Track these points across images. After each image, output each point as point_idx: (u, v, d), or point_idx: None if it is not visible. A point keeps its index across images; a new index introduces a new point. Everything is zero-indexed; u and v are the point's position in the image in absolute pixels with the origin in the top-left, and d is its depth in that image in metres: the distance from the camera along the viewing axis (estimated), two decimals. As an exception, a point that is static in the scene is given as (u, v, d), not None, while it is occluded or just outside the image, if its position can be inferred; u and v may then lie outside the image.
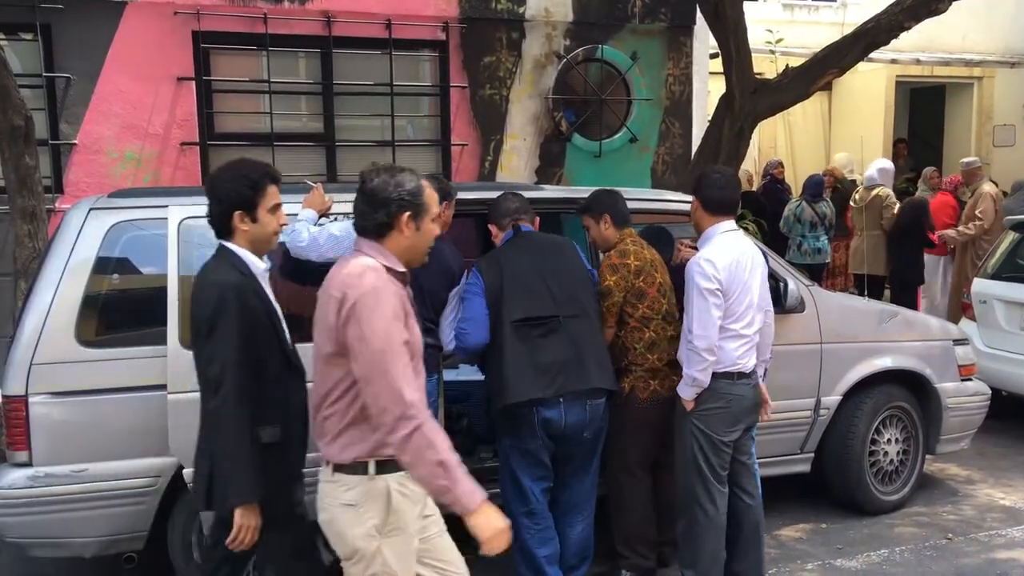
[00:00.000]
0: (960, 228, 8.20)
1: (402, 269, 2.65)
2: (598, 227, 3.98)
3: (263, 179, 2.90)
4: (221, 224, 2.90)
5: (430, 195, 2.74)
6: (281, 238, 3.58)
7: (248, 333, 2.79)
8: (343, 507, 2.56)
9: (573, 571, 3.81)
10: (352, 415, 2.53)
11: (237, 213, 2.87)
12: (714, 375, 3.57)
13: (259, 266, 2.94)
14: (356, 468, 2.54)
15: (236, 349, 2.74)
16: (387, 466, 2.54)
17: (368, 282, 2.48)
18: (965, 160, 8.86)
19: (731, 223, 3.69)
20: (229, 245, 2.90)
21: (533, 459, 3.65)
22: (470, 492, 2.40)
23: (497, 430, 3.77)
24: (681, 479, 3.71)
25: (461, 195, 3.97)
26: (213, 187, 2.92)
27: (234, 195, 2.86)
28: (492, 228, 3.92)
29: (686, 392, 3.60)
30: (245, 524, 2.74)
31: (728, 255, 3.56)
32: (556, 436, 3.61)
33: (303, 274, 3.71)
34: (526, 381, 3.53)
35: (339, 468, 2.56)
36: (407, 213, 2.61)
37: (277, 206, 2.97)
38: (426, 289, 3.55)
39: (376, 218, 2.59)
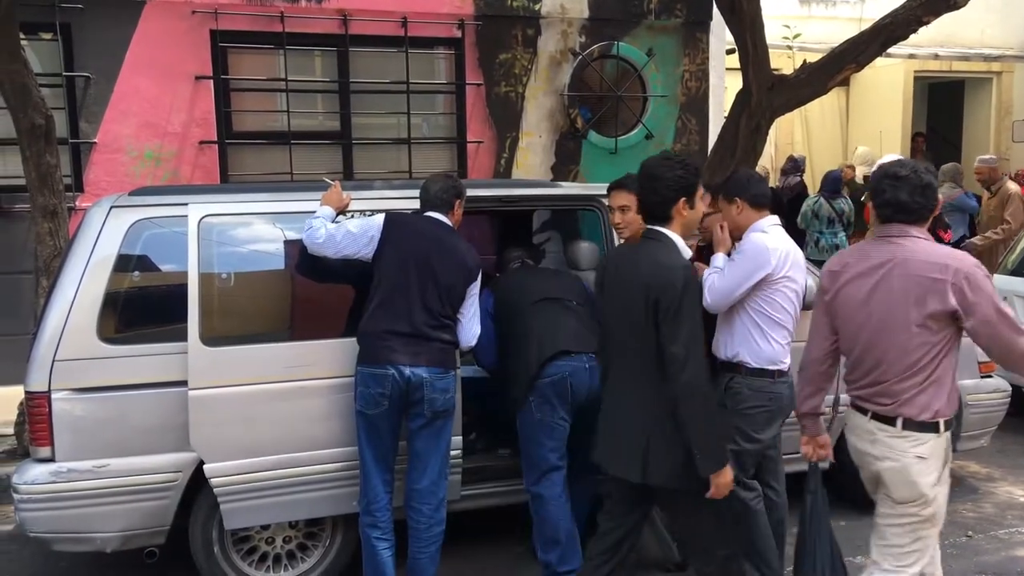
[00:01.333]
0: (987, 233, 7.79)
1: None
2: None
3: (698, 170, 3.09)
4: (663, 210, 3.03)
5: None
6: (300, 234, 3.62)
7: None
8: (916, 459, 2.93)
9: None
10: (932, 379, 2.89)
11: (682, 200, 3.01)
12: (754, 371, 3.49)
13: (686, 250, 3.08)
14: (929, 426, 2.91)
15: (697, 325, 2.93)
16: (947, 426, 2.94)
17: (971, 258, 2.90)
18: (985, 157, 8.66)
19: (776, 218, 3.61)
20: (664, 230, 3.03)
21: (561, 431, 3.76)
22: None
23: (522, 409, 3.77)
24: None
25: (483, 192, 4.01)
26: (654, 176, 3.03)
27: (682, 182, 3.01)
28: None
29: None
30: (724, 483, 2.99)
31: (784, 244, 3.50)
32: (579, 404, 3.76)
33: (319, 271, 3.74)
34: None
35: (910, 425, 2.92)
36: None
37: (701, 196, 3.16)
38: (443, 284, 3.55)
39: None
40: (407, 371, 3.46)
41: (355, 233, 3.59)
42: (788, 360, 3.55)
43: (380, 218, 3.64)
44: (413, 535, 3.60)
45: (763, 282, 3.43)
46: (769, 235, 3.51)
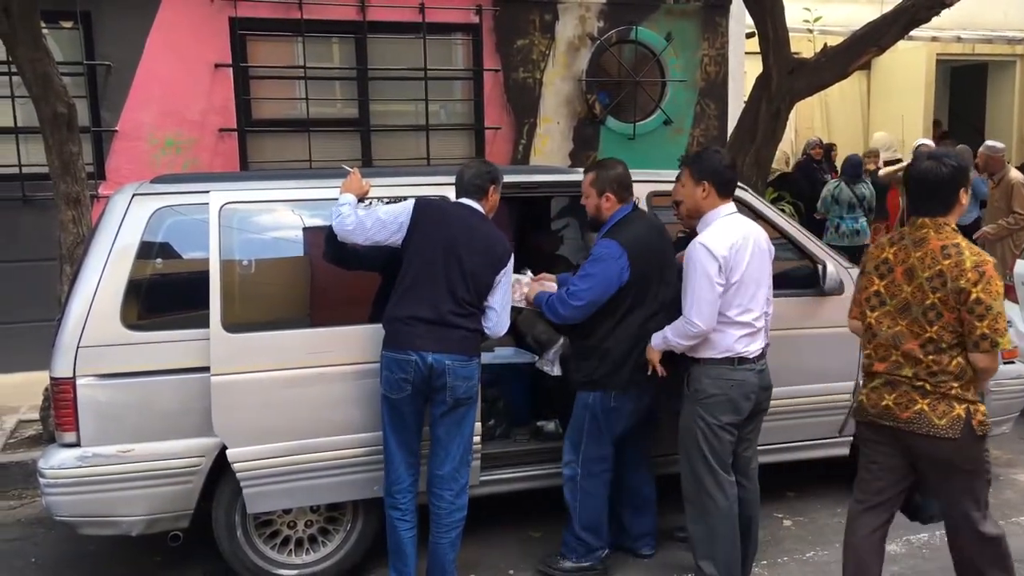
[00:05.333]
0: (1000, 222, 7.51)
1: None
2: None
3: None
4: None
5: None
6: (329, 221, 3.63)
7: None
8: None
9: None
10: None
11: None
12: (713, 361, 3.53)
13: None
14: None
15: None
16: None
17: None
18: (991, 144, 8.42)
19: (732, 205, 3.62)
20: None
21: (625, 422, 3.83)
22: None
23: (598, 396, 3.79)
24: (686, 468, 3.65)
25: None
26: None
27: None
28: (610, 197, 3.83)
29: (656, 340, 3.63)
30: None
31: (729, 239, 3.49)
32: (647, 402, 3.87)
33: (346, 257, 3.75)
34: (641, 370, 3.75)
35: None
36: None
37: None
38: (469, 272, 3.55)
39: None
40: (430, 357, 3.47)
41: (385, 220, 3.59)
42: (749, 346, 3.56)
43: (410, 204, 3.64)
44: (434, 520, 3.62)
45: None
46: (713, 235, 3.50)
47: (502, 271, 3.63)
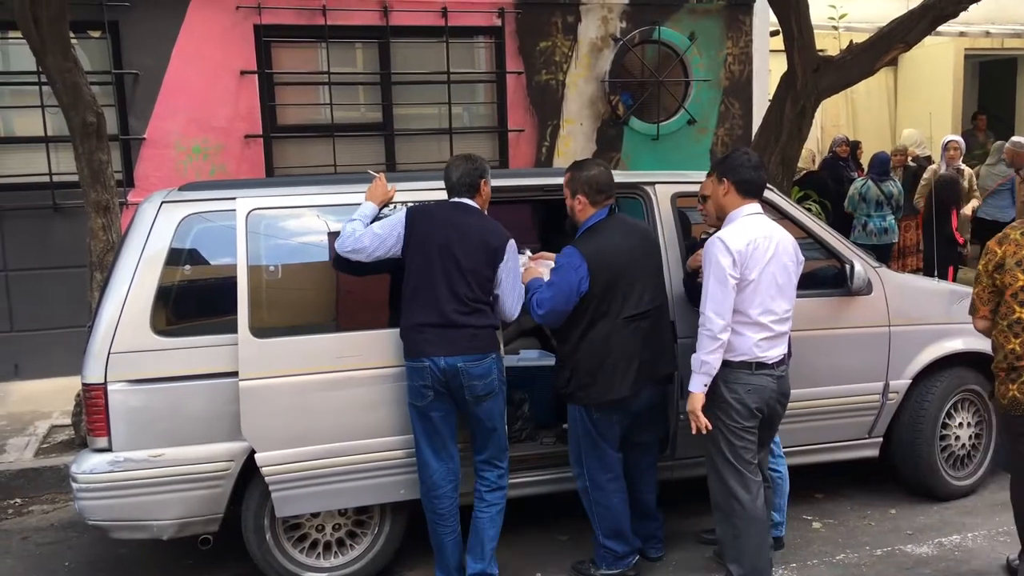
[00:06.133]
0: None
1: None
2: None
3: None
4: None
5: None
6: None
7: None
8: None
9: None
10: None
11: None
12: (731, 364, 3.48)
13: None
14: None
15: None
16: None
17: None
18: (1017, 139, 8.23)
19: (757, 206, 3.59)
20: None
21: (617, 431, 3.79)
22: None
23: (582, 411, 3.76)
24: (712, 471, 3.62)
25: (524, 182, 4.03)
26: None
27: None
28: (581, 199, 3.79)
29: (696, 383, 3.47)
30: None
31: (746, 236, 3.46)
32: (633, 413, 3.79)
33: (362, 267, 3.76)
34: (630, 376, 3.66)
35: None
36: None
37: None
38: (465, 268, 3.55)
39: None
40: (442, 362, 3.50)
41: (381, 235, 3.61)
42: (769, 352, 3.51)
43: (402, 213, 3.66)
44: (477, 495, 3.72)
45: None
46: (731, 231, 3.48)
47: (501, 263, 3.61)
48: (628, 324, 3.67)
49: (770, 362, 3.51)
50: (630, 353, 3.66)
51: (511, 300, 3.68)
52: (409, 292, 3.58)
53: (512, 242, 3.68)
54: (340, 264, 3.74)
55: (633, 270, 3.71)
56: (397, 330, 3.66)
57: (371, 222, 3.69)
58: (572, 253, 3.66)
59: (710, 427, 3.47)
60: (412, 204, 3.77)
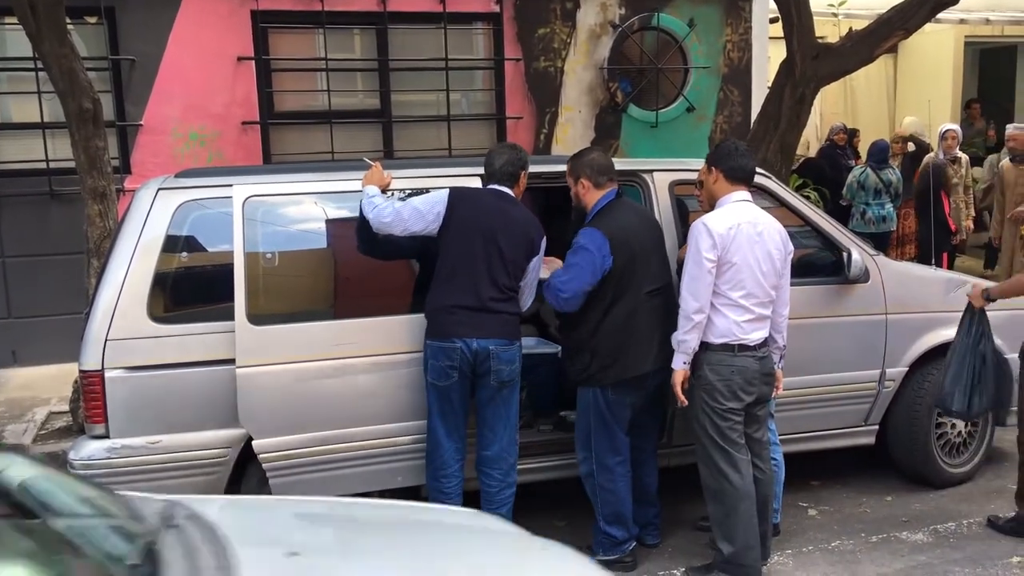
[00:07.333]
0: None
1: None
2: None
3: None
4: None
5: None
6: (365, 213, 3.64)
7: None
8: None
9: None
10: None
11: None
12: (711, 346, 3.56)
13: None
14: None
15: None
16: None
17: None
18: (1019, 124, 8.20)
19: (745, 193, 3.68)
20: None
21: (629, 414, 3.81)
22: None
23: (597, 392, 3.78)
24: (701, 452, 3.69)
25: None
26: None
27: None
28: (584, 183, 3.82)
29: (676, 360, 3.59)
30: None
31: (729, 220, 3.54)
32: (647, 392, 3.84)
33: (378, 248, 3.77)
34: (653, 350, 3.73)
35: None
36: None
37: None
38: (508, 258, 3.63)
39: None
40: (474, 344, 3.56)
41: (422, 210, 3.63)
42: (752, 334, 3.57)
43: (445, 193, 3.68)
44: (485, 498, 3.72)
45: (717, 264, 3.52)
46: (715, 215, 3.58)
47: (535, 256, 3.72)
48: (651, 298, 3.75)
49: (752, 344, 3.59)
50: (652, 327, 3.74)
51: (529, 292, 3.79)
52: (446, 273, 3.62)
53: (544, 237, 3.76)
54: (367, 246, 3.75)
55: (648, 246, 3.80)
56: (396, 318, 3.67)
57: None
58: (592, 232, 3.69)
59: (686, 402, 3.61)
60: (455, 186, 3.77)
